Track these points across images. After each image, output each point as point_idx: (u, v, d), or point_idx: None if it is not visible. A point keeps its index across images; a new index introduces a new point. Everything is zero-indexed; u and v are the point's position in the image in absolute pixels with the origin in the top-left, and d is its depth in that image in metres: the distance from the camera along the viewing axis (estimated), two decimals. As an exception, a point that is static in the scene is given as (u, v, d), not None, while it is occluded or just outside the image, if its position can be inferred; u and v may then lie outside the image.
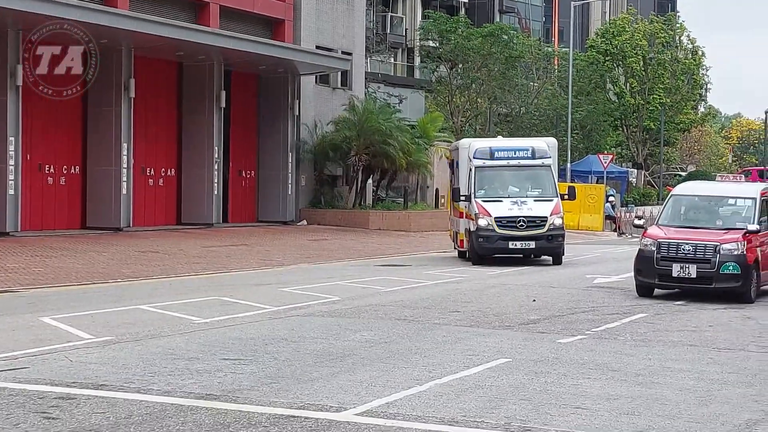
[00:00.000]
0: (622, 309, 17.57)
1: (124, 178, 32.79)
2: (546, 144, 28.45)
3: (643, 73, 72.58)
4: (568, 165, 56.86)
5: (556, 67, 68.20)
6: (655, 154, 75.02)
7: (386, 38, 60.27)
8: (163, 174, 36.73)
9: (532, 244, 26.45)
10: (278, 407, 9.26)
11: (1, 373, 10.53)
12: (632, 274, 20.10)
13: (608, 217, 50.18)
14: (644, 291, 19.63)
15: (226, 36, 35.17)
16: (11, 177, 28.94)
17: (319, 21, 42.75)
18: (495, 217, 26.30)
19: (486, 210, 26.45)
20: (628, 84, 73.45)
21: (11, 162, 28.93)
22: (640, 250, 19.67)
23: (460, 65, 56.42)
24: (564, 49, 67.73)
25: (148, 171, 35.91)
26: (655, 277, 19.21)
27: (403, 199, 45.60)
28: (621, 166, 72.28)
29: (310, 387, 10.17)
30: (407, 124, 44.55)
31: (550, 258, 27.61)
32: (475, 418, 9.08)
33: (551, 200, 26.99)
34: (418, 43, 61.04)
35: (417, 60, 62.87)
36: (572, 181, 55.54)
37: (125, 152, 32.73)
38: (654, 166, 76.23)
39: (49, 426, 8.34)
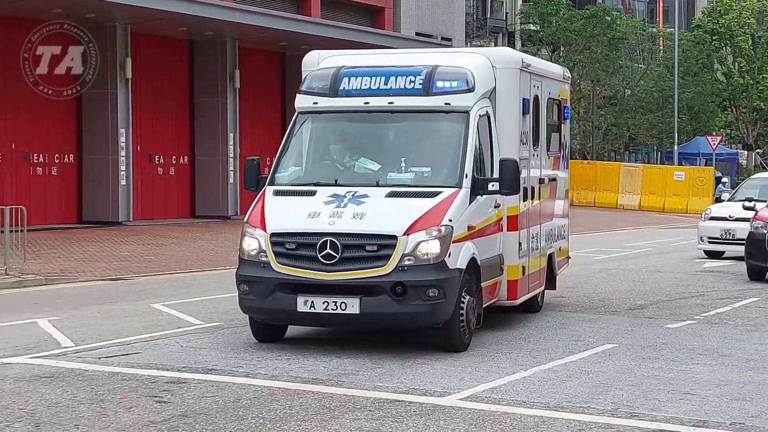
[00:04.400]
0: (733, 293, 17.23)
1: (231, 168, 33.26)
2: (478, 61, 12.48)
3: (752, 53, 70.77)
4: (676, 147, 55.86)
5: (661, 47, 67.01)
6: (766, 135, 73.22)
7: (486, 23, 59.97)
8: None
9: (354, 304, 10.73)
10: (383, 391, 9.34)
11: (115, 358, 10.81)
12: (743, 257, 19.69)
13: (717, 200, 49.17)
14: (755, 275, 19.19)
15: (329, 25, 35.40)
16: (122, 168, 29.58)
17: (419, 8, 42.73)
18: (272, 234, 11.09)
19: (263, 216, 11.32)
20: (736, 63, 71.70)
21: (122, 153, 29.56)
22: (750, 233, 19.24)
23: (562, 48, 55.87)
24: (669, 30, 66.49)
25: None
26: (766, 260, 18.77)
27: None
28: (730, 148, 70.73)
29: (414, 372, 10.22)
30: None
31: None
32: (581, 403, 9.01)
33: (436, 193, 11.30)
34: (518, 27, 60.58)
35: (518, 44, 62.44)
36: (680, 164, 54.59)
37: (231, 142, 33.15)
38: (765, 147, 74.41)
39: (160, 409, 8.54)
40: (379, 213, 11.05)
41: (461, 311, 11.15)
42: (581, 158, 56.17)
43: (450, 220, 11.01)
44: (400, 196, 11.29)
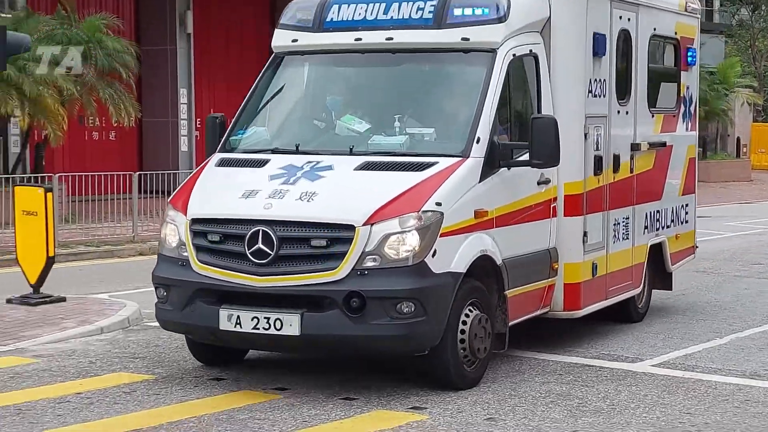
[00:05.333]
0: None
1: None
2: None
3: None
4: None
5: None
6: None
7: (683, -19, 58.19)
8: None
9: (293, 322, 7.66)
10: (573, 356, 9.31)
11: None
12: None
13: None
14: None
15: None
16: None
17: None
18: (192, 220, 8.18)
19: (186, 197, 8.42)
20: None
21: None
22: None
23: (764, 7, 53.66)
24: None
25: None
26: None
27: (701, 149, 44.23)
28: None
29: (605, 337, 10.13)
30: (705, 70, 42.95)
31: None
32: (780, 372, 8.77)
33: (428, 165, 8.16)
34: (717, -15, 58.55)
35: (716, 3, 60.36)
36: None
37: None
38: None
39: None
40: (336, 192, 8.01)
41: (461, 333, 8.02)
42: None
43: (438, 203, 7.83)
44: (376, 169, 8.21)
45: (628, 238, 10.33)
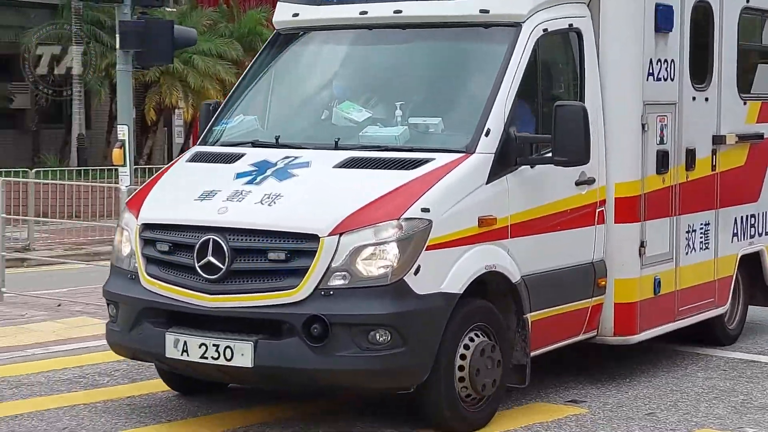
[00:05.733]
0: None
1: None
2: None
3: None
4: None
5: None
6: None
7: None
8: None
9: (245, 351, 6.33)
10: (736, 351, 9.14)
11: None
12: None
13: None
14: None
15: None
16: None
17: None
18: (143, 225, 6.90)
19: (143, 198, 7.19)
20: None
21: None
22: None
23: None
24: None
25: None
26: None
27: None
28: None
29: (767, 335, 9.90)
30: None
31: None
32: None
33: (422, 162, 6.73)
34: None
35: None
36: None
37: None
38: None
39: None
40: (305, 195, 6.73)
41: (460, 369, 6.62)
42: None
43: (425, 209, 6.44)
44: (360, 166, 6.85)
45: (708, 248, 8.72)
